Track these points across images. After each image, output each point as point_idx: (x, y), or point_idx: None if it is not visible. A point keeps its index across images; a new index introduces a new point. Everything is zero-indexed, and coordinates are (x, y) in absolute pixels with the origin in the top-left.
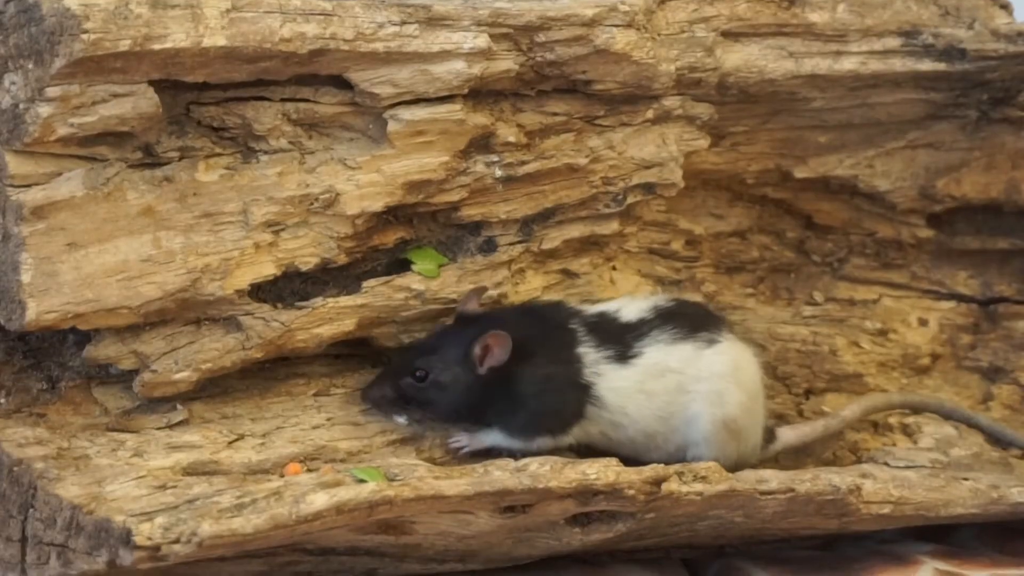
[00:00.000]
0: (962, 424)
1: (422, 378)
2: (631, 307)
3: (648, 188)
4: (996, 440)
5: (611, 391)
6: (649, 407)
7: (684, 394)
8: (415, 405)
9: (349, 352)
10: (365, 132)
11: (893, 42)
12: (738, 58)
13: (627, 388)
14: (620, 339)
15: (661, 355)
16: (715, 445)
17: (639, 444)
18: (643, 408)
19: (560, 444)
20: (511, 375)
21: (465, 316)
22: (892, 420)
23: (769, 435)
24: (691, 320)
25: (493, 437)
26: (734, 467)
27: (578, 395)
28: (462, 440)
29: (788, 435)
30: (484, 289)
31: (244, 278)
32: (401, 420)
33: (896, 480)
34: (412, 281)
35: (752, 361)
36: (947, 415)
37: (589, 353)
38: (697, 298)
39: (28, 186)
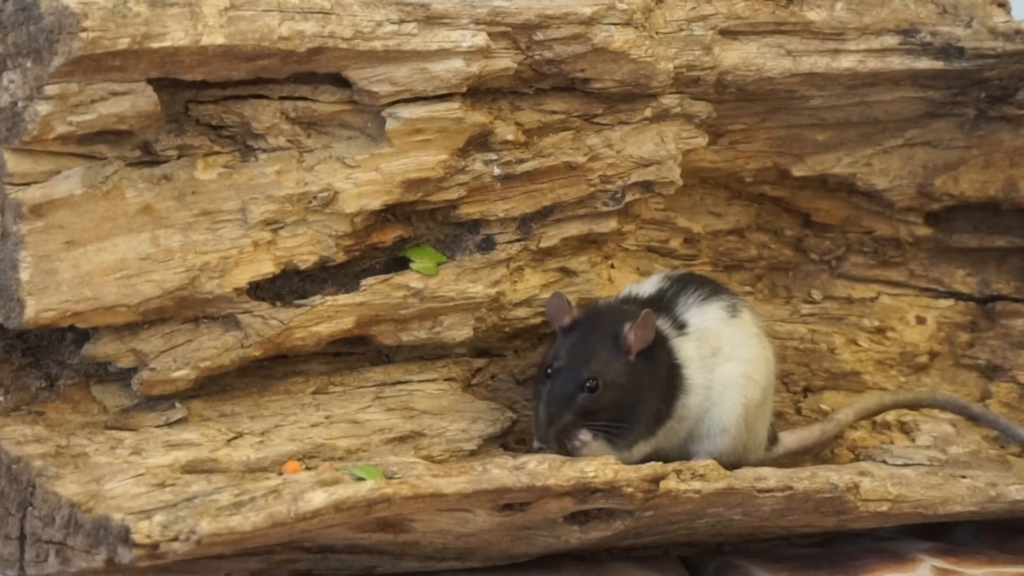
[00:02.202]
0: (957, 415)
1: (593, 387)
2: (646, 285)
3: (646, 186)
4: (990, 426)
5: (694, 371)
6: (704, 379)
7: (722, 360)
8: (600, 420)
9: (348, 350)
10: (363, 130)
11: (891, 40)
12: (736, 56)
13: (694, 360)
14: (669, 311)
15: (699, 318)
16: (738, 427)
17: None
18: (702, 379)
19: (647, 450)
20: (645, 363)
21: (580, 322)
22: (890, 418)
23: (773, 437)
24: (709, 284)
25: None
26: (738, 462)
27: (680, 383)
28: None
29: (789, 440)
30: (561, 295)
31: (243, 276)
32: (589, 441)
33: (894, 478)
34: (411, 279)
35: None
36: (942, 407)
37: (671, 335)
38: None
39: (27, 184)
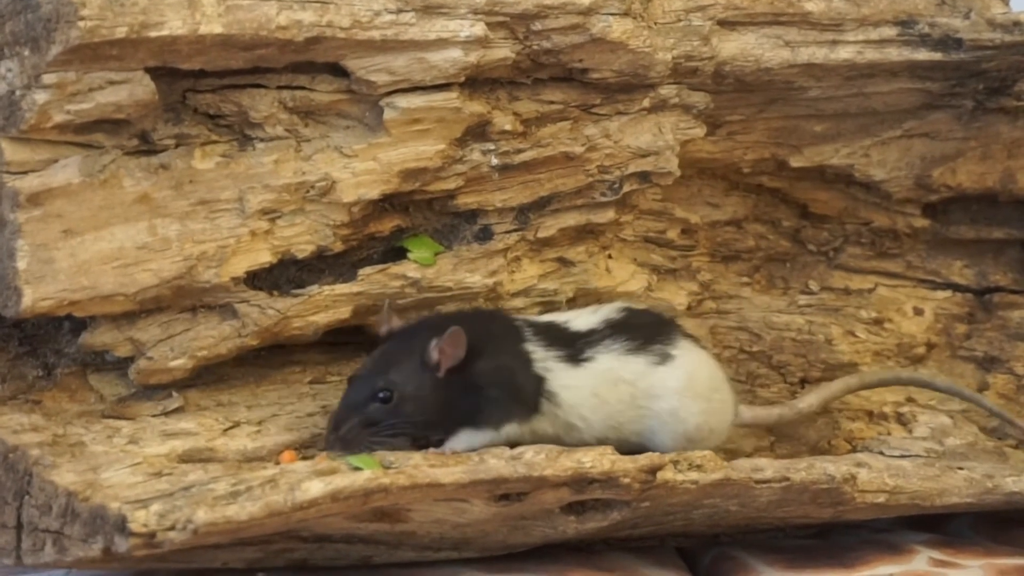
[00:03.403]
0: (914, 387)
1: (387, 399)
2: (581, 319)
3: (644, 177)
4: (958, 398)
5: (564, 388)
6: (601, 412)
7: (637, 408)
8: (386, 429)
9: (345, 340)
10: (361, 120)
11: (889, 31)
12: (734, 47)
13: (580, 388)
14: (571, 344)
15: (614, 363)
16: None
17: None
18: (597, 412)
19: (523, 435)
20: (468, 373)
21: (395, 332)
22: (887, 409)
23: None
24: (643, 331)
25: (463, 439)
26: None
27: (534, 384)
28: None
29: (746, 414)
30: (393, 302)
31: (240, 265)
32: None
33: (891, 469)
34: (408, 269)
35: (707, 362)
36: (906, 384)
37: (537, 351)
38: (693, 287)
39: (24, 173)
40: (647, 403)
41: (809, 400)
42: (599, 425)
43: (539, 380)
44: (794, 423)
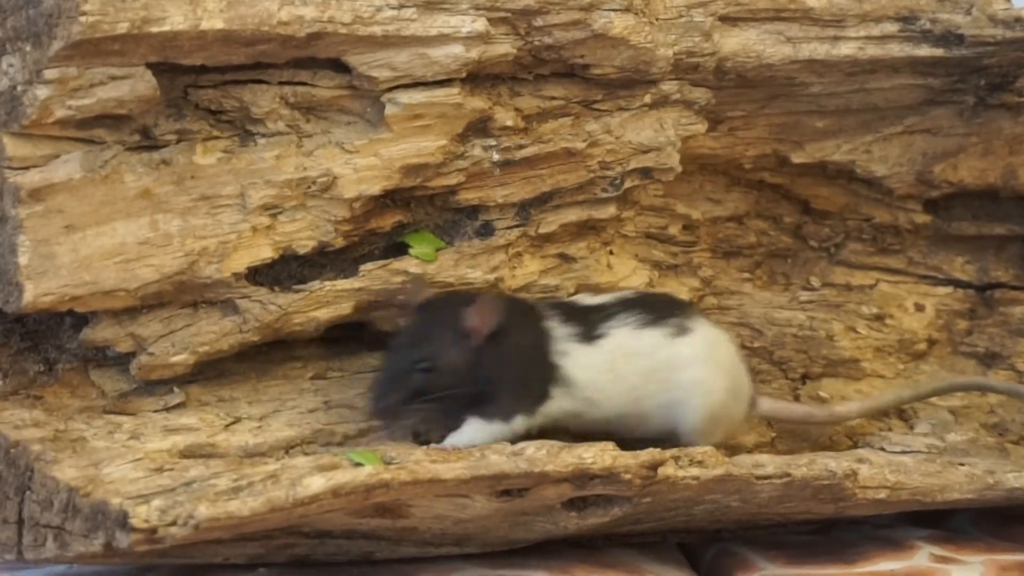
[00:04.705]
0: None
1: (428, 368)
2: (593, 298)
3: (645, 172)
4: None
5: (580, 368)
6: (617, 389)
7: (659, 381)
8: (429, 400)
9: (346, 335)
10: (363, 116)
11: (891, 27)
12: (736, 43)
13: (595, 366)
14: (585, 320)
15: (628, 338)
16: (703, 434)
17: (613, 428)
18: (611, 388)
19: (532, 425)
20: (496, 345)
21: (428, 304)
22: None
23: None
24: (658, 307)
25: (467, 432)
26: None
27: (550, 367)
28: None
29: (764, 405)
30: (422, 278)
31: (241, 261)
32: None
33: (892, 465)
34: (409, 265)
35: (726, 339)
36: (964, 390)
37: (556, 327)
38: (694, 283)
39: (26, 168)
40: (669, 375)
41: (850, 407)
42: (618, 400)
43: (555, 364)
44: (822, 427)
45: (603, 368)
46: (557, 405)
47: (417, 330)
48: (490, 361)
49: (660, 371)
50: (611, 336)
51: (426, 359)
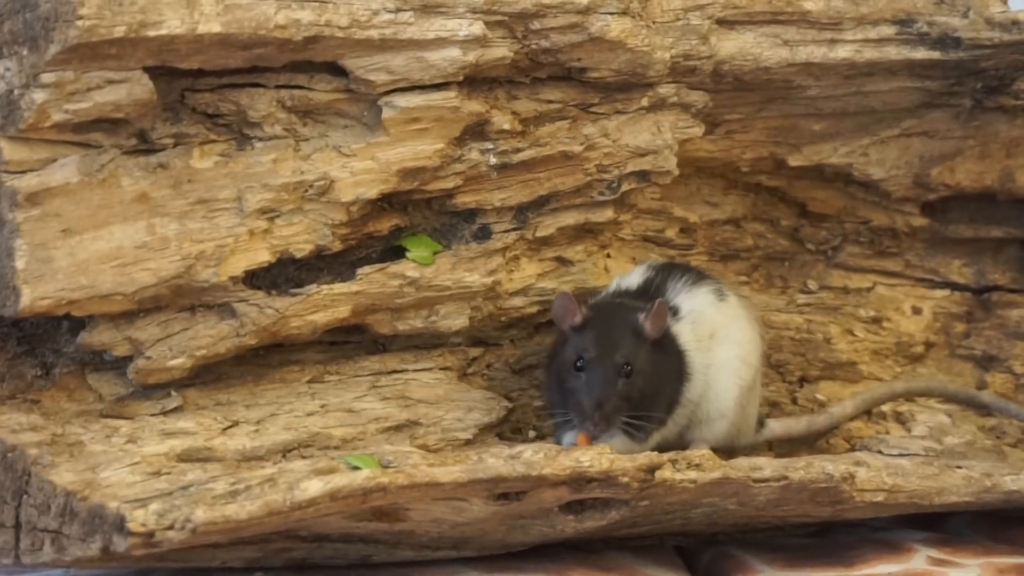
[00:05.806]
0: (952, 401)
1: (629, 373)
2: (633, 276)
3: (642, 176)
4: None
5: (689, 348)
6: (702, 362)
7: (716, 343)
8: (632, 406)
9: (343, 339)
10: (360, 119)
11: (888, 30)
12: (733, 46)
13: (692, 343)
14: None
15: (690, 303)
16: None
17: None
18: (701, 362)
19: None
20: (657, 351)
21: (590, 318)
22: (886, 408)
23: (760, 421)
24: (693, 271)
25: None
26: (732, 446)
27: (682, 367)
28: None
29: (775, 426)
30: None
31: (239, 265)
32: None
33: (889, 468)
34: (406, 268)
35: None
36: (952, 397)
37: (673, 325)
38: None
39: (23, 172)
40: (721, 332)
41: (845, 406)
42: (712, 371)
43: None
44: (826, 430)
45: (694, 341)
46: (681, 408)
47: (601, 342)
48: (659, 366)
49: (717, 331)
50: (683, 307)
51: (626, 363)
